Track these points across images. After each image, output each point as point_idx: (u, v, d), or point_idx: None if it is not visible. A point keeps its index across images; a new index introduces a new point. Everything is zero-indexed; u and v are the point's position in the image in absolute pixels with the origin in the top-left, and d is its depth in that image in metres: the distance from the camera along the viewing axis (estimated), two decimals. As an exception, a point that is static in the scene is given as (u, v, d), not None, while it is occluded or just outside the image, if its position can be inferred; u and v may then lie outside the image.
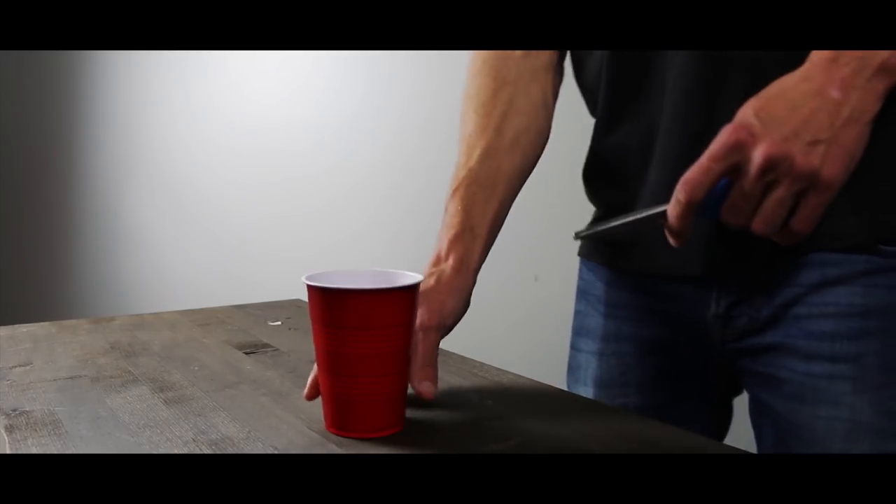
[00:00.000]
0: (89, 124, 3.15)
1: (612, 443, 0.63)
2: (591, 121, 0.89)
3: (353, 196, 1.88)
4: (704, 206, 0.57)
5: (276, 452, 0.59)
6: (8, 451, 0.59)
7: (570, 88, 1.35)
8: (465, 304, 0.72)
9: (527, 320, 1.48)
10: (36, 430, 0.63)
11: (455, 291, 0.70)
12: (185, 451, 0.59)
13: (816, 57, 0.57)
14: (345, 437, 0.63)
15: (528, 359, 1.45)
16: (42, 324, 1.02)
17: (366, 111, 1.84)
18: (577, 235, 0.63)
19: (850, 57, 0.55)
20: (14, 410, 0.68)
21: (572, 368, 0.87)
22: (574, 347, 0.87)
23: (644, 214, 0.61)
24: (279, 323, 1.05)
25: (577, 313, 0.87)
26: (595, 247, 0.84)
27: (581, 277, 0.88)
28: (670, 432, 0.66)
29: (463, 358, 0.88)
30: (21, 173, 3.68)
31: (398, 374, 0.63)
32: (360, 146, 1.85)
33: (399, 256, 1.70)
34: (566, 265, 1.40)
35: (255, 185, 2.25)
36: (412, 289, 0.62)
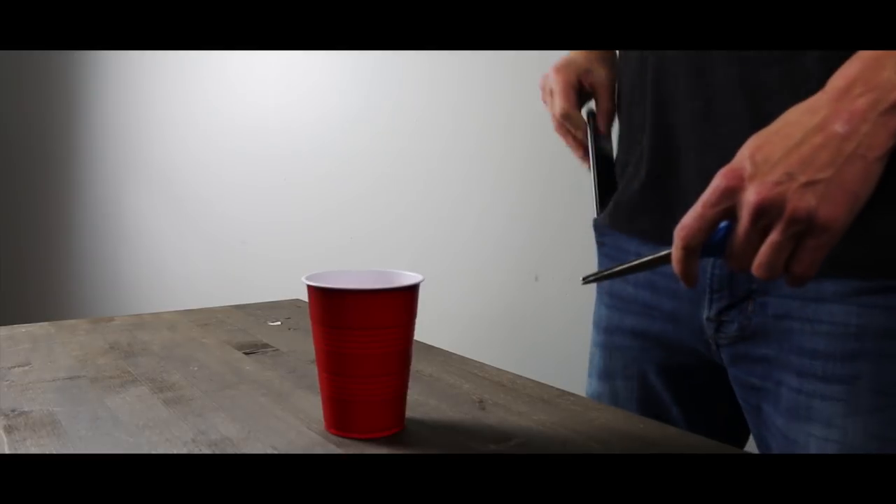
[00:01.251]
0: (89, 124, 3.15)
1: (612, 443, 0.63)
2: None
3: (353, 197, 1.88)
4: (708, 249, 0.57)
5: (275, 452, 0.59)
6: (7, 452, 0.59)
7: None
8: None
9: (527, 320, 1.48)
10: (35, 431, 0.63)
11: None
12: (184, 451, 0.59)
13: (830, 86, 0.55)
14: (345, 437, 0.62)
15: (528, 359, 1.45)
16: (41, 324, 1.02)
17: (367, 114, 1.84)
18: (586, 280, 0.63)
19: (864, 87, 0.53)
20: (13, 411, 0.68)
21: (590, 363, 0.88)
22: (591, 341, 0.88)
23: (650, 258, 0.61)
24: (279, 323, 1.05)
25: (595, 304, 0.88)
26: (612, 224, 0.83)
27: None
28: (670, 432, 0.66)
29: (463, 358, 0.88)
30: (21, 173, 3.68)
31: (398, 374, 0.63)
32: (361, 149, 1.86)
33: (399, 257, 1.70)
34: (566, 265, 1.41)
35: (255, 187, 2.25)
36: (412, 289, 0.62)
